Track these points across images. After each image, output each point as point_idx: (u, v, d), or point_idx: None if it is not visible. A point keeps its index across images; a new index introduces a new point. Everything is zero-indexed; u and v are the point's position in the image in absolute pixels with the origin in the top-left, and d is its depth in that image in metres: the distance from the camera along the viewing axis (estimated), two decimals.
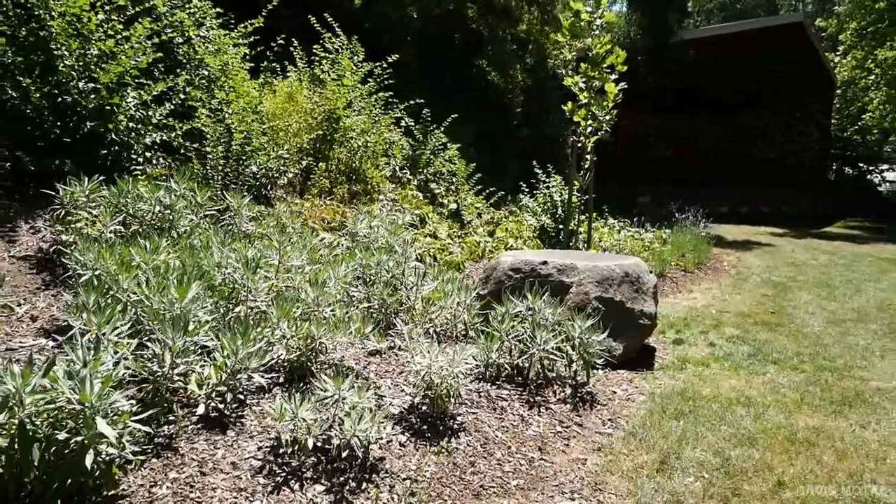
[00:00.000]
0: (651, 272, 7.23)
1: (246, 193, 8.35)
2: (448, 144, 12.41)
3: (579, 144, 11.29)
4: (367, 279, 6.29)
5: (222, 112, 8.70)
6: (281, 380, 4.84)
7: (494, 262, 7.01)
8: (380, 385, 4.89)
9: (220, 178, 8.19)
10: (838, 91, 26.78)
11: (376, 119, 11.71)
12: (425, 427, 4.35)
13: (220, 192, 7.80)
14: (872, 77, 27.40)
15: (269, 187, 9.04)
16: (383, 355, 5.49)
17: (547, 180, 12.12)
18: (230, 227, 7.37)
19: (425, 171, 12.04)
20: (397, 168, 11.93)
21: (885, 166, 27.13)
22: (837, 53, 26.94)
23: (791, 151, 23.38)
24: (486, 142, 14.57)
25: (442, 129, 12.55)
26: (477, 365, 5.29)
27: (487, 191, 12.93)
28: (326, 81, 10.54)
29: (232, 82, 9.05)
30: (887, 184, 26.53)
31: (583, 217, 11.85)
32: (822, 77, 23.48)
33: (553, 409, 4.95)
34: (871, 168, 26.87)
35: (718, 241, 14.67)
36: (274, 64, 11.21)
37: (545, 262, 6.63)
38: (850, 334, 7.89)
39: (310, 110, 10.32)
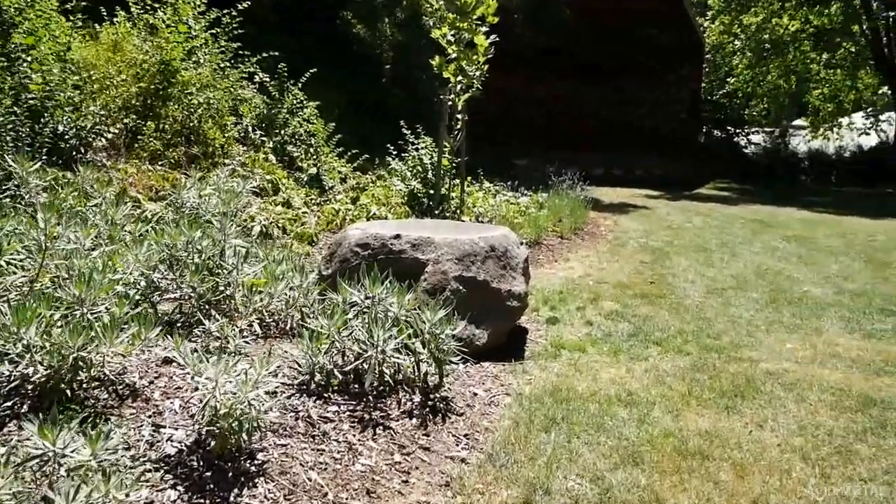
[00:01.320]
0: (522, 244, 6.19)
1: (45, 157, 6.72)
2: (306, 102, 10.95)
3: (449, 103, 10.14)
4: (175, 263, 4.90)
5: (19, 59, 6.98)
6: (25, 407, 3.45)
7: (340, 237, 5.77)
8: (162, 410, 3.58)
9: (10, 138, 6.51)
10: (707, 56, 26.80)
11: (224, 74, 10.11)
12: (209, 474, 3.09)
13: (6, 156, 6.15)
14: (738, 42, 27.60)
15: (82, 150, 7.39)
16: (181, 364, 4.16)
17: (416, 142, 10.91)
18: (16, 199, 5.80)
19: (282, 132, 10.57)
20: (250, 129, 10.40)
21: (751, 129, 27.51)
22: (706, 18, 26.91)
23: (663, 115, 23.15)
24: (353, 103, 13.20)
25: (300, 85, 11.06)
26: (300, 373, 4.06)
27: (353, 154, 11.58)
28: (160, 28, 8.86)
29: (35, 23, 7.30)
30: (752, 146, 26.92)
31: (455, 181, 10.75)
32: (693, 41, 23.28)
33: (394, 429, 3.79)
34: (738, 131, 27.17)
35: (595, 204, 13.97)
36: (100, 7, 9.40)
37: (398, 237, 5.43)
38: (732, 305, 7.15)
39: (140, 61, 8.65)
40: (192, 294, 4.79)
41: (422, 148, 10.86)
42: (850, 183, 23.31)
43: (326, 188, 10.18)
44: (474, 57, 9.77)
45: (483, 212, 10.77)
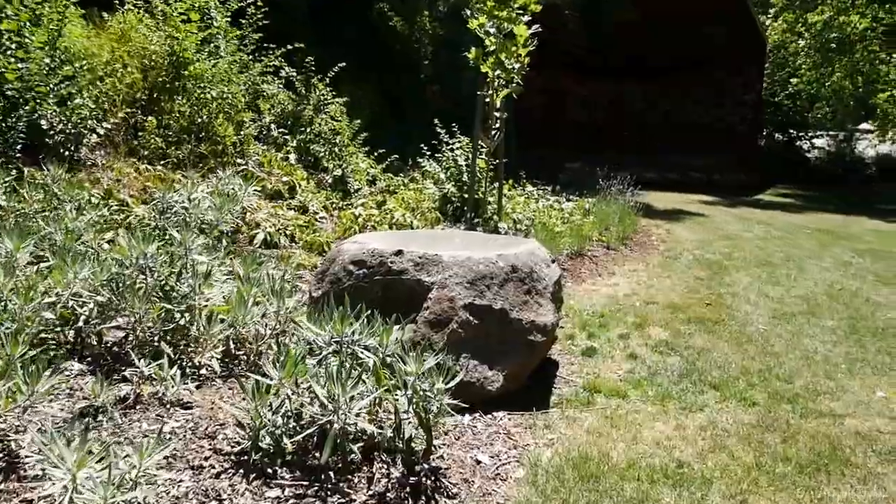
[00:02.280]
0: (553, 262, 5.07)
1: (20, 155, 5.90)
2: (332, 98, 10.00)
3: (487, 100, 9.05)
4: (120, 284, 3.95)
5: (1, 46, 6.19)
6: None
7: (334, 252, 4.76)
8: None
9: None
10: (769, 55, 25.04)
11: (244, 67, 9.23)
12: None
13: None
14: (802, 42, 25.73)
15: (71, 147, 6.56)
16: (109, 413, 3.21)
17: (451, 142, 9.85)
18: None
19: (307, 130, 9.63)
20: (272, 126, 9.49)
21: (814, 133, 25.61)
22: (769, 16, 25.13)
23: (722, 116, 21.57)
24: (389, 100, 12.23)
25: (328, 80, 10.12)
26: (244, 437, 3.05)
27: (384, 155, 10.58)
28: (171, 16, 8.00)
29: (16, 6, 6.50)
30: (815, 150, 25.04)
31: (494, 185, 9.66)
32: (755, 40, 21.62)
33: None
34: (800, 134, 25.31)
35: (647, 210, 12.69)
36: None
37: (399, 253, 4.39)
38: (805, 335, 5.89)
39: (149, 52, 7.81)
40: (138, 324, 3.83)
41: (457, 148, 9.80)
42: None
43: (351, 191, 9.20)
44: (513, 49, 8.65)
45: (522, 218, 9.65)
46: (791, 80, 26.03)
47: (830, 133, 25.76)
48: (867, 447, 3.80)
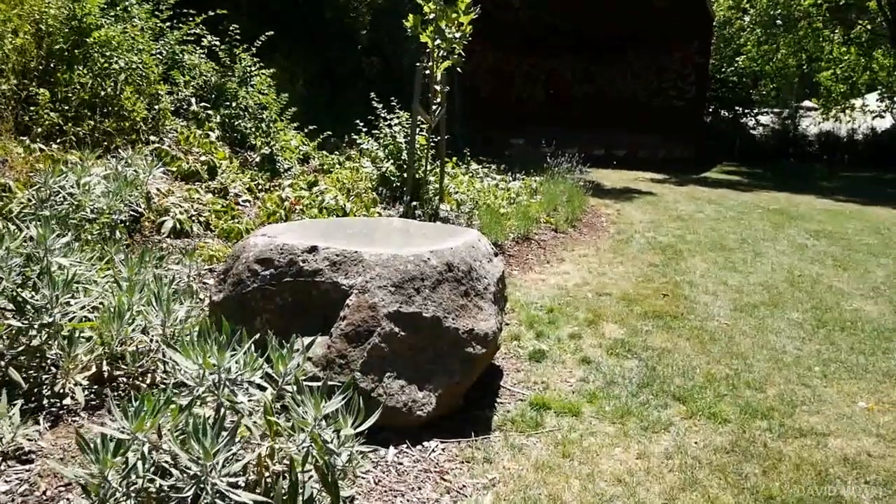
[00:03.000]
0: (496, 255, 4.39)
1: None
2: (262, 71, 9.08)
3: (426, 71, 8.27)
4: None
5: None
6: None
7: (240, 247, 3.98)
8: None
9: None
10: (715, 31, 24.70)
11: (160, 34, 8.25)
12: None
13: None
14: (748, 18, 25.53)
15: None
16: None
17: (389, 117, 9.06)
18: None
19: (234, 105, 8.71)
20: (194, 100, 8.54)
21: (759, 110, 25.48)
22: None
23: (668, 93, 21.15)
24: (323, 73, 11.34)
25: (254, 51, 9.18)
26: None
27: (316, 132, 9.72)
28: None
29: None
30: (760, 128, 24.91)
31: (436, 164, 8.93)
32: (702, 15, 21.19)
33: None
34: (745, 111, 25.13)
35: (596, 189, 12.14)
36: None
37: (313, 250, 3.64)
38: (770, 331, 5.36)
39: (46, 16, 6.80)
40: None
41: (396, 124, 9.01)
42: (863, 167, 21.38)
43: (281, 171, 8.35)
44: (454, 17, 7.89)
45: (465, 199, 8.96)
46: (737, 57, 25.82)
47: (775, 110, 25.67)
48: (858, 477, 3.24)
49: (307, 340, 3.32)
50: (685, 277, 6.90)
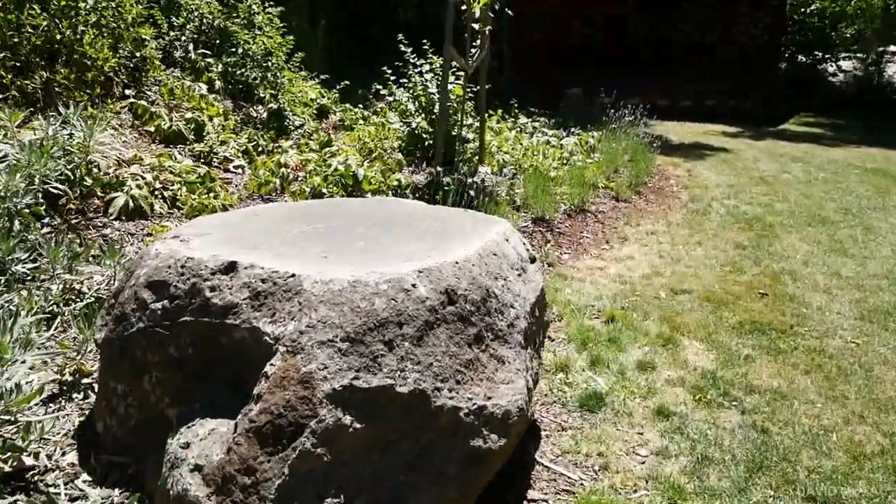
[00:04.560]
0: (532, 260, 2.84)
1: None
2: (269, 10, 7.53)
3: (463, 6, 6.65)
4: None
5: None
6: None
7: (137, 259, 2.54)
8: None
9: None
10: None
11: None
12: None
13: None
14: None
15: None
16: None
17: (419, 63, 7.46)
18: None
19: (238, 51, 7.23)
20: (192, 48, 7.10)
21: (841, 55, 22.63)
22: None
23: (739, 37, 18.71)
24: (348, 14, 9.71)
25: None
26: None
27: (328, 81, 8.18)
28: None
29: None
30: (841, 74, 22.14)
31: (476, 118, 7.37)
32: None
33: None
34: (825, 56, 22.34)
35: (662, 145, 10.28)
36: None
37: (230, 269, 2.20)
38: None
39: None
40: None
41: (427, 72, 7.41)
42: None
43: (291, 129, 6.88)
44: None
45: (509, 160, 7.36)
46: None
47: (858, 55, 22.78)
48: None
49: (202, 428, 1.93)
50: (784, 265, 5.20)
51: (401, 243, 2.54)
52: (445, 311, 2.17)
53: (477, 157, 7.30)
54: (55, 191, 3.81)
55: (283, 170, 5.54)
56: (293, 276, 2.13)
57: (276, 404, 1.90)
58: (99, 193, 4.42)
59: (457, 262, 2.33)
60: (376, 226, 2.80)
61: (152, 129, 5.71)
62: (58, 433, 2.52)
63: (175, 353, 2.21)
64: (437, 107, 7.19)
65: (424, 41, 7.60)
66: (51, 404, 2.68)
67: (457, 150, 6.91)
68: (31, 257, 3.35)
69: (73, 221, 4.12)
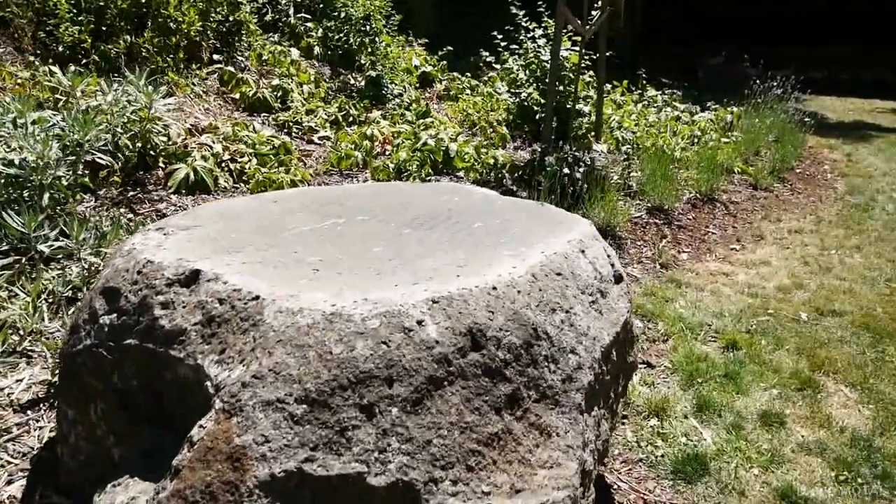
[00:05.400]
0: (616, 280, 2.10)
1: None
2: None
3: None
4: None
5: None
6: None
7: (112, 252, 2.04)
8: None
9: None
10: None
11: None
12: None
13: None
14: None
15: None
16: None
17: (532, 27, 6.66)
18: None
19: (339, 14, 6.74)
20: (290, 11, 6.69)
21: None
22: None
23: None
24: None
25: None
26: None
27: (430, 45, 7.53)
28: None
29: None
30: None
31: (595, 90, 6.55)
32: None
33: None
34: None
35: (817, 124, 8.84)
36: None
37: (191, 279, 1.64)
38: None
39: None
40: None
41: (541, 36, 6.60)
42: None
43: (388, 98, 6.34)
44: None
45: (629, 137, 6.46)
46: None
47: None
48: None
49: (124, 494, 1.41)
50: None
51: (432, 251, 1.88)
52: (464, 362, 1.50)
53: (593, 134, 6.46)
54: (102, 161, 3.45)
55: (366, 143, 4.99)
56: (256, 298, 1.53)
57: (192, 487, 1.31)
58: (161, 164, 4.05)
59: (494, 288, 1.64)
60: (412, 224, 2.15)
61: (237, 96, 5.34)
62: (19, 452, 2.09)
63: (119, 383, 1.69)
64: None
65: (540, 2, 6.78)
66: (29, 411, 2.26)
67: (570, 124, 6.11)
68: (57, 236, 2.98)
69: (130, 195, 3.77)
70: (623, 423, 2.60)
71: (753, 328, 3.40)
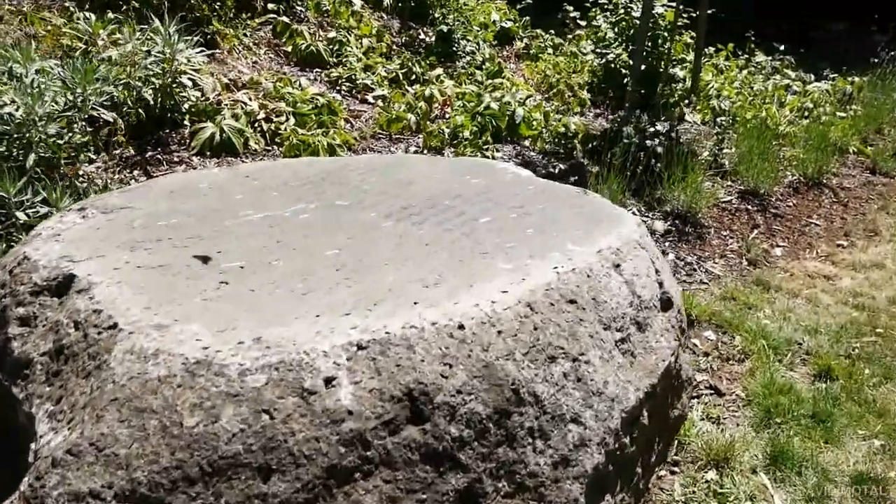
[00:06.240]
0: (668, 304, 1.51)
1: None
2: None
3: None
4: None
5: None
6: None
7: (24, 241, 1.64)
8: None
9: None
10: None
11: None
12: None
13: None
14: None
15: None
16: None
17: None
18: None
19: None
20: None
21: None
22: None
23: None
24: None
25: None
26: None
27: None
28: None
29: None
30: None
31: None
32: None
33: None
34: None
35: None
36: None
37: (63, 289, 1.20)
38: None
39: None
40: None
41: None
42: None
43: (459, 55, 5.77)
44: None
45: (728, 107, 5.63)
46: None
47: None
48: None
49: None
50: None
51: (403, 257, 1.38)
52: (393, 442, 1.00)
53: (686, 102, 5.70)
54: (106, 118, 3.09)
55: (421, 104, 4.47)
56: (113, 327, 1.08)
57: None
58: (188, 122, 3.69)
59: (461, 327, 1.13)
60: (400, 213, 1.65)
61: (290, 49, 4.92)
62: None
63: None
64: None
65: None
66: None
67: (660, 91, 5.37)
68: (43, 201, 2.65)
69: (149, 155, 3.43)
70: (672, 473, 2.05)
71: (856, 352, 2.71)
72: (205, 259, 1.33)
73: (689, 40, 5.95)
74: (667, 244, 3.60)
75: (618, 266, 1.50)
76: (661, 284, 1.60)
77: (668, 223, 3.78)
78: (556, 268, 1.38)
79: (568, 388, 1.21)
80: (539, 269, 1.37)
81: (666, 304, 1.58)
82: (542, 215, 1.72)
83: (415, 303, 1.18)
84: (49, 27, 3.89)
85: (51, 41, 3.89)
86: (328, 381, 1.00)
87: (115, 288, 1.18)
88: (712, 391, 2.51)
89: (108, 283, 1.20)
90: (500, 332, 1.16)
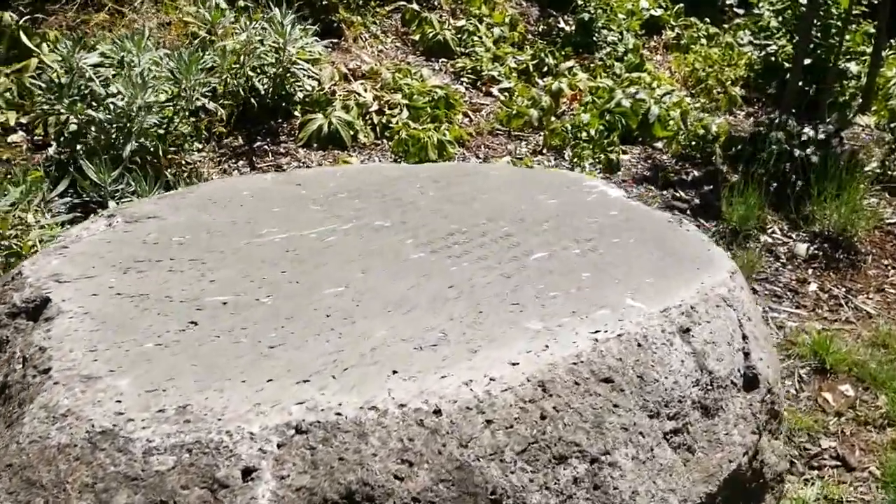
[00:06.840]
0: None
1: None
2: None
3: None
4: None
5: None
6: None
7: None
8: None
9: None
10: None
11: None
12: None
13: None
14: None
15: None
16: None
17: None
18: None
19: None
20: None
21: None
22: None
23: None
24: None
25: None
26: None
27: None
28: None
29: None
30: None
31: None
32: None
33: None
34: None
35: None
36: None
37: (37, 312, 1.11)
38: None
39: None
40: None
41: None
42: None
43: (599, 45, 5.39)
44: None
45: None
46: None
47: None
48: None
49: None
50: None
51: (415, 304, 1.17)
52: None
53: (859, 101, 4.97)
54: (211, 108, 3.11)
55: (546, 99, 4.17)
56: (46, 371, 0.96)
57: None
58: (298, 113, 3.67)
59: (437, 412, 0.93)
60: (442, 241, 1.44)
61: (417, 38, 4.80)
62: None
63: None
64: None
65: None
66: None
67: (826, 88, 4.71)
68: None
69: (256, 146, 3.44)
70: None
71: None
72: (190, 292, 1.19)
73: (872, 30, 5.16)
74: (809, 272, 3.09)
75: (686, 331, 1.19)
76: (746, 355, 1.26)
77: (815, 246, 3.24)
78: (596, 332, 1.10)
79: (577, 499, 0.94)
80: (574, 331, 1.10)
81: (750, 381, 1.24)
82: (611, 253, 1.43)
83: (393, 371, 0.97)
84: (180, 15, 4.02)
85: (178, 29, 4.01)
86: (246, 473, 0.82)
87: (77, 320, 1.07)
88: (839, 463, 2.08)
89: (73, 314, 1.09)
90: (488, 423, 0.92)
